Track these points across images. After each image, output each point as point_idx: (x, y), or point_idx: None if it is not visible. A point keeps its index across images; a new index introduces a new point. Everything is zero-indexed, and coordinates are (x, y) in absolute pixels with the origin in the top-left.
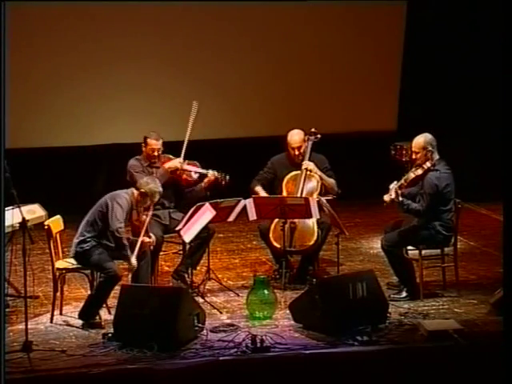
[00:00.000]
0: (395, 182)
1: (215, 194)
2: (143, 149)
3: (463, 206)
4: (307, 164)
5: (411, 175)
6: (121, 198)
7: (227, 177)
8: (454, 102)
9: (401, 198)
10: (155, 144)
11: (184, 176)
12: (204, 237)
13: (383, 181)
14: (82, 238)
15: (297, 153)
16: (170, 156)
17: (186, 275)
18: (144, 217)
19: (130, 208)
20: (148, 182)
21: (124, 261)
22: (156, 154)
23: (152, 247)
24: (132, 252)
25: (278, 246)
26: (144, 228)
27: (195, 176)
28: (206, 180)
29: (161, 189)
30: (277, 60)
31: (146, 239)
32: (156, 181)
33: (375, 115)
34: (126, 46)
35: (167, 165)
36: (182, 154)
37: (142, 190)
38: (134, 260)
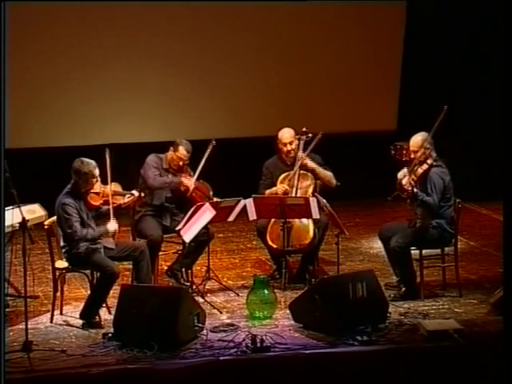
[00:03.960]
0: (405, 171)
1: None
2: (170, 152)
3: (463, 206)
4: (301, 156)
5: (419, 170)
6: (63, 207)
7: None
8: (453, 102)
9: (415, 190)
10: (185, 155)
11: (193, 194)
12: (202, 240)
13: (383, 181)
14: (65, 248)
15: (289, 148)
16: (189, 170)
17: (180, 274)
18: (103, 188)
19: (76, 204)
20: (79, 168)
21: (107, 234)
22: (181, 164)
23: (140, 199)
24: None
25: (275, 246)
26: (111, 196)
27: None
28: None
29: (94, 163)
30: (276, 60)
31: (127, 199)
32: (84, 160)
33: (375, 115)
34: (127, 45)
35: (183, 180)
36: (196, 176)
37: (81, 181)
38: (112, 225)
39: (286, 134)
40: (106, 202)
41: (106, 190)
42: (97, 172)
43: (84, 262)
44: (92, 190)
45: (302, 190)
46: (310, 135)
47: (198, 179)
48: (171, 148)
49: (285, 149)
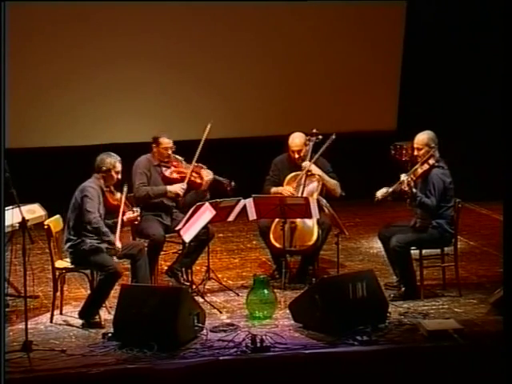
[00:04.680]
0: (404, 174)
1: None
2: (154, 149)
3: (463, 206)
4: (307, 164)
5: (419, 170)
6: (87, 190)
7: (232, 183)
8: (453, 102)
9: (414, 190)
10: (168, 143)
11: (192, 178)
12: (203, 239)
13: (383, 181)
14: (72, 241)
15: (297, 156)
16: (178, 157)
17: (180, 274)
18: (119, 194)
19: (99, 193)
20: (103, 158)
21: (109, 245)
22: (170, 152)
23: (137, 221)
24: (114, 233)
25: (278, 245)
26: (123, 204)
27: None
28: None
29: (118, 157)
30: (277, 60)
31: (130, 214)
32: (110, 153)
33: (375, 115)
34: (127, 46)
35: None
36: (194, 160)
37: (104, 168)
38: (118, 243)
39: (296, 141)
40: (118, 210)
41: (120, 196)
42: (119, 166)
43: (87, 260)
44: (111, 188)
45: (308, 192)
46: (320, 137)
47: (196, 162)
48: (153, 145)
49: (292, 155)
